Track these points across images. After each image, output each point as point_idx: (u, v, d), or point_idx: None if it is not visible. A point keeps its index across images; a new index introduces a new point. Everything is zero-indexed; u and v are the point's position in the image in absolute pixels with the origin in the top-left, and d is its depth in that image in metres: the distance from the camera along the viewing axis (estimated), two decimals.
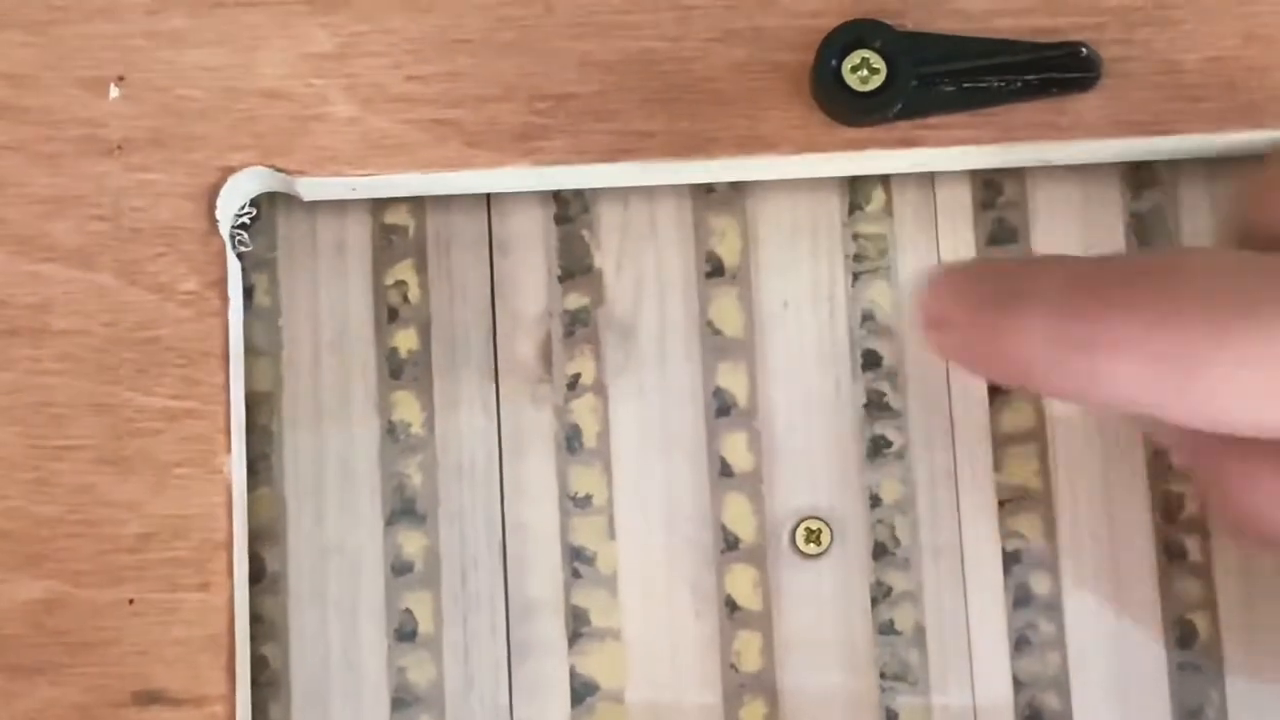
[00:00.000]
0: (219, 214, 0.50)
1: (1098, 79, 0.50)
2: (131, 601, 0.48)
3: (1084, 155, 0.52)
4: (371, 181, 0.51)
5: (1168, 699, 0.52)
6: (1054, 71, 0.50)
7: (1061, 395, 0.46)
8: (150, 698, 0.48)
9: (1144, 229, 0.53)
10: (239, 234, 0.52)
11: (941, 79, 0.50)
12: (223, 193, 0.50)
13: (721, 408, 0.53)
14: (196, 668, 0.48)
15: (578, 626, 0.52)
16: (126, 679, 0.48)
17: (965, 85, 0.50)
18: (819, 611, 0.52)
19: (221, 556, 0.49)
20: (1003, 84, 0.50)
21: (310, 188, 0.51)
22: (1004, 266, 0.45)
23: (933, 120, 0.50)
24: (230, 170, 0.50)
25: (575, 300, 0.54)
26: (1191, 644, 0.52)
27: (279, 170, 0.50)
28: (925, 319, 0.45)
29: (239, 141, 0.50)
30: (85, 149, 0.50)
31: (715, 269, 0.54)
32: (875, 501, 0.53)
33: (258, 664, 0.51)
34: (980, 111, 0.50)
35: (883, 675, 0.52)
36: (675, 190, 0.54)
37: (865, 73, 0.49)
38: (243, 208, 0.52)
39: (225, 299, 0.50)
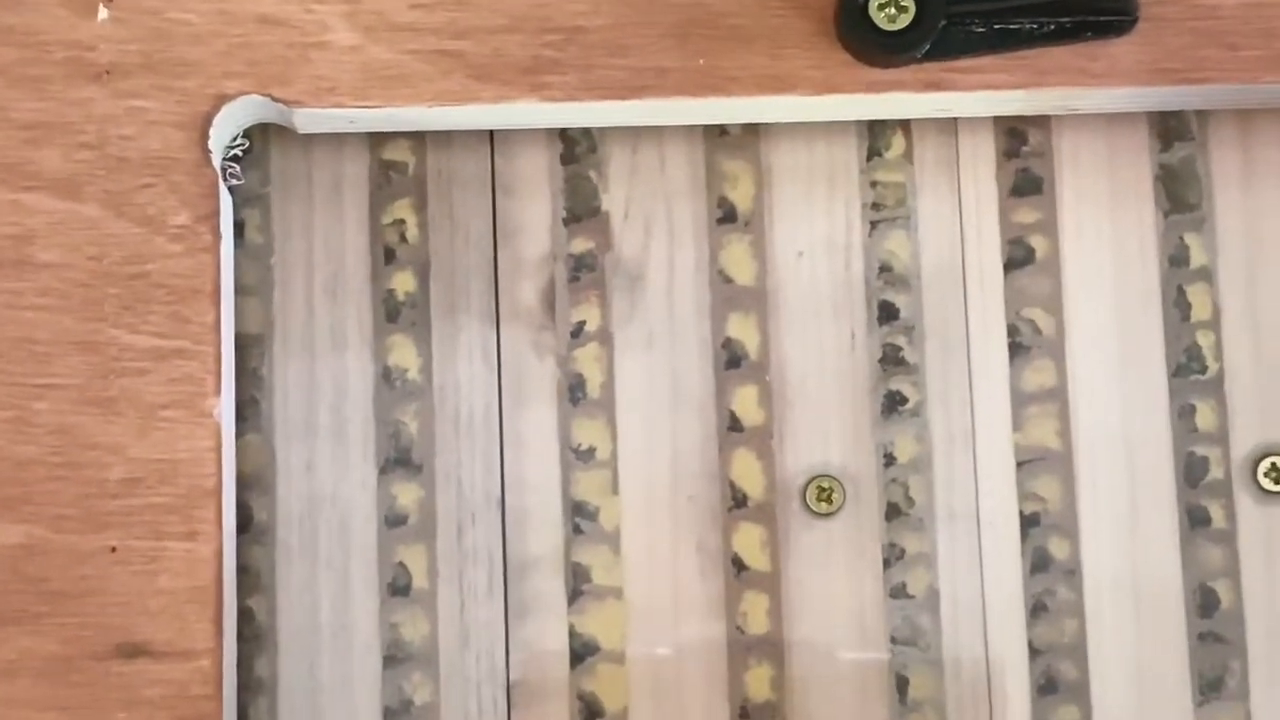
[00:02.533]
0: (211, 144, 0.48)
1: (1134, 23, 0.48)
2: (114, 549, 0.46)
3: (1114, 103, 0.50)
4: (371, 114, 0.48)
5: (1188, 669, 0.50)
6: (1089, 14, 0.48)
7: None
8: (134, 650, 0.46)
9: (1174, 181, 0.51)
10: (231, 167, 0.50)
11: (972, 19, 0.47)
12: (216, 122, 0.48)
13: (731, 359, 0.51)
14: (183, 620, 0.46)
15: (578, 584, 0.50)
16: (109, 630, 0.46)
17: (996, 26, 0.48)
18: (829, 573, 0.50)
19: (210, 504, 0.46)
20: (1035, 26, 0.48)
21: (307, 120, 0.49)
22: None
23: (960, 63, 0.48)
24: (224, 99, 0.48)
25: (581, 244, 0.51)
26: (1213, 613, 0.50)
27: (275, 100, 0.48)
28: None
29: (233, 69, 0.48)
30: (72, 73, 0.48)
31: (727, 215, 0.52)
32: (889, 460, 0.51)
33: (243, 617, 0.49)
34: (1010, 55, 0.48)
35: (894, 640, 0.50)
36: (687, 132, 0.52)
37: (893, 10, 0.47)
38: (236, 139, 0.50)
39: (217, 234, 0.47)
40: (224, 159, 0.50)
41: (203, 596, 0.46)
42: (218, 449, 0.47)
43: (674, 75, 0.48)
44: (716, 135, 0.52)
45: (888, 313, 0.51)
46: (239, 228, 0.51)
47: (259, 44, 0.48)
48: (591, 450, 0.51)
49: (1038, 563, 0.50)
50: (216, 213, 0.47)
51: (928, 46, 0.47)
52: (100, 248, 0.47)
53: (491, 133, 0.51)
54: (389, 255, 0.51)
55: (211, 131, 0.48)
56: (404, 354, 0.51)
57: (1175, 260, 0.51)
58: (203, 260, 0.47)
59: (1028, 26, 0.48)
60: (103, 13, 0.48)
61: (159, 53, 0.48)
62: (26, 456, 0.46)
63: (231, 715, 0.47)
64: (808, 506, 0.50)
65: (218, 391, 0.47)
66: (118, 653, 0.46)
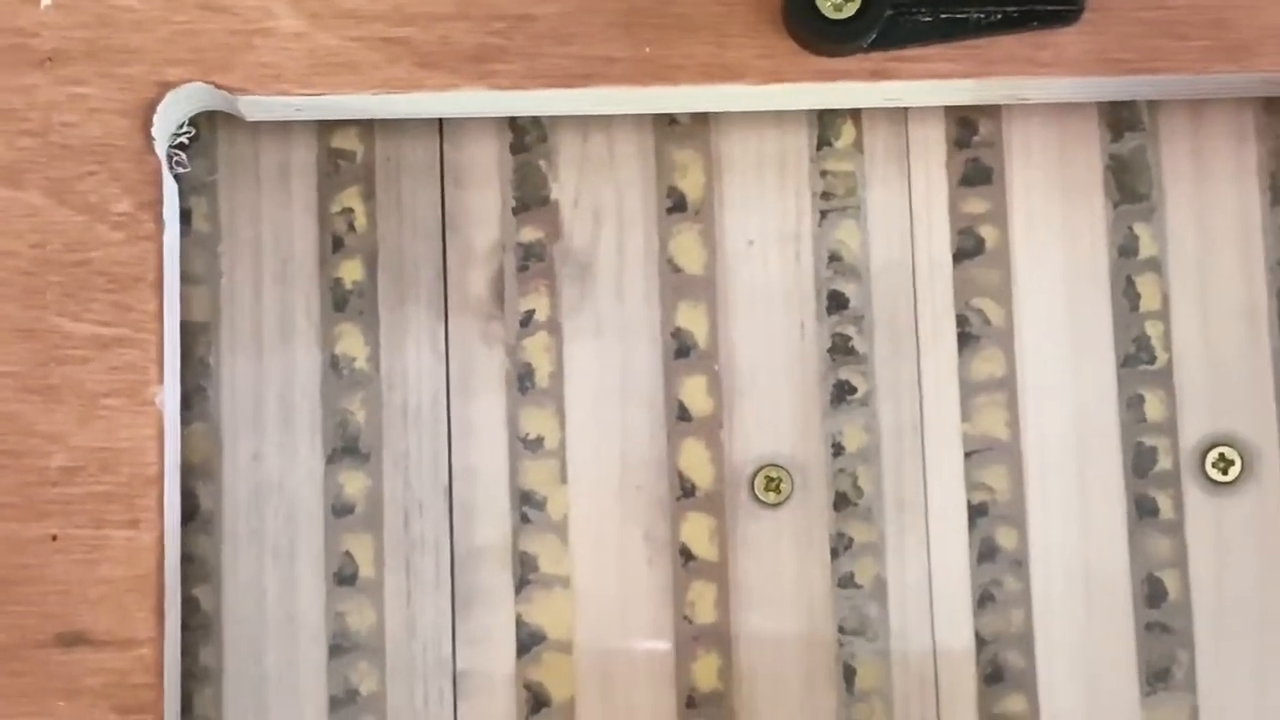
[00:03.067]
0: (155, 132, 0.47)
1: (1081, 12, 0.48)
2: (55, 538, 0.46)
3: (1064, 93, 0.50)
4: (317, 102, 0.48)
5: (1135, 659, 0.50)
6: (1035, 4, 0.48)
7: None
8: (74, 639, 0.46)
9: (1124, 171, 0.51)
10: (177, 154, 0.50)
11: (919, 9, 0.47)
12: (159, 110, 0.47)
13: (680, 349, 0.51)
14: (123, 609, 0.46)
15: (525, 573, 0.50)
16: (49, 619, 0.46)
17: (943, 16, 0.47)
18: (777, 562, 0.50)
19: (151, 492, 0.46)
20: (982, 16, 0.48)
21: (253, 107, 0.49)
22: None
23: (908, 52, 0.48)
24: (168, 86, 0.47)
25: (530, 233, 0.51)
26: (1160, 603, 0.50)
27: (219, 88, 0.48)
28: None
29: (177, 56, 0.48)
30: (14, 60, 0.47)
31: (677, 204, 0.51)
32: (838, 450, 0.51)
33: (189, 606, 0.49)
34: (958, 44, 0.48)
35: (841, 629, 0.50)
36: (637, 121, 0.51)
37: None
38: (181, 126, 0.50)
39: (160, 222, 0.47)
40: (170, 147, 0.49)
41: (144, 585, 0.46)
42: (160, 437, 0.47)
43: (621, 64, 0.48)
44: (666, 124, 0.52)
45: (837, 302, 0.51)
46: (186, 216, 0.50)
47: (202, 31, 0.48)
48: (540, 440, 0.50)
49: (985, 552, 0.50)
50: (159, 200, 0.47)
51: (874, 36, 0.47)
52: (42, 235, 0.47)
53: (441, 121, 0.51)
54: (337, 244, 0.51)
55: (155, 119, 0.47)
56: (352, 343, 0.51)
57: (1125, 250, 0.51)
58: (145, 248, 0.47)
59: (974, 16, 0.48)
60: None
61: (102, 40, 0.48)
62: None
63: (175, 704, 0.47)
64: (756, 496, 0.50)
65: (160, 380, 0.47)
66: (58, 641, 0.46)
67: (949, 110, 0.52)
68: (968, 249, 0.51)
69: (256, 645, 0.49)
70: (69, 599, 0.46)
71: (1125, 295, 0.51)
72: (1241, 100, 0.51)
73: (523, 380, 0.51)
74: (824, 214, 0.51)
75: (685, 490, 0.50)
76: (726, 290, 0.51)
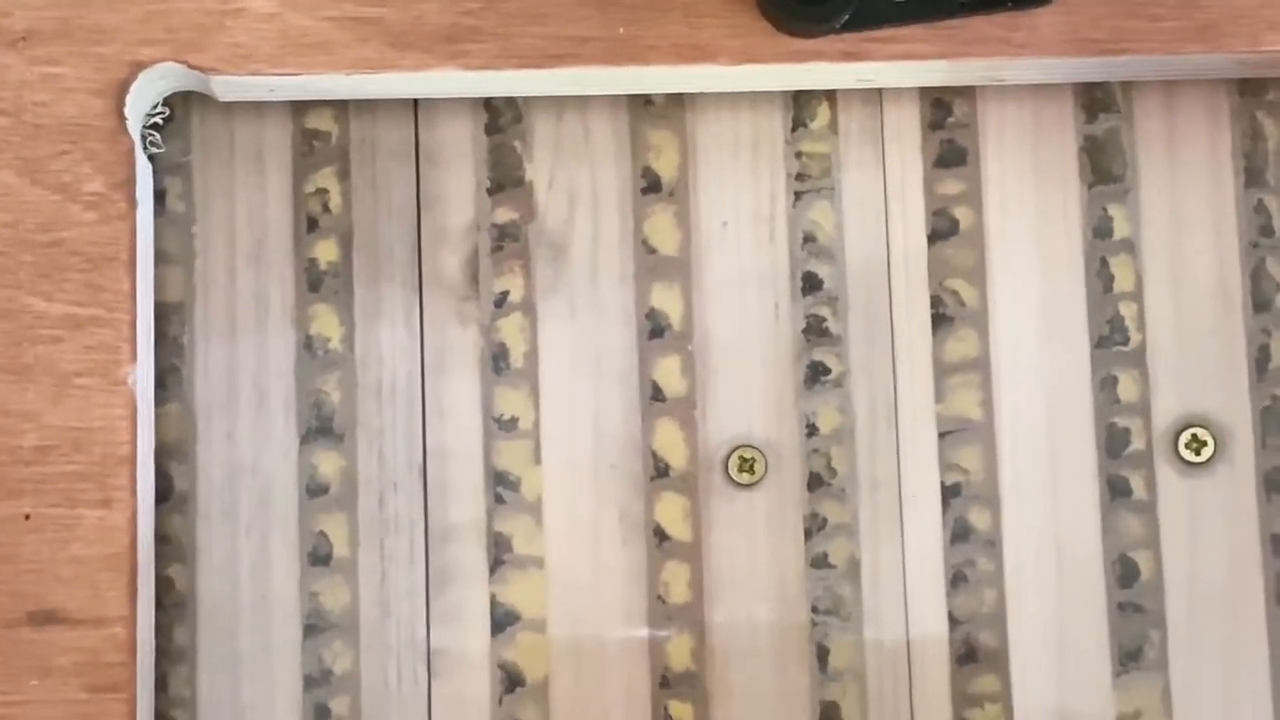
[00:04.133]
0: (128, 112, 0.47)
1: None
2: (28, 517, 0.46)
3: (1037, 74, 0.50)
4: (291, 82, 0.48)
5: (1107, 639, 0.50)
6: None
7: None
8: (46, 617, 0.46)
9: (1098, 153, 0.51)
10: (151, 135, 0.50)
11: None
12: (132, 90, 0.47)
13: (655, 329, 0.51)
14: (96, 587, 0.46)
15: (499, 553, 0.50)
16: (21, 597, 0.46)
17: None
18: (751, 543, 0.50)
19: (124, 472, 0.46)
20: None
21: (226, 87, 0.49)
22: None
23: (881, 33, 0.48)
24: (140, 66, 0.48)
25: (505, 214, 0.51)
26: (1133, 583, 0.50)
27: (192, 68, 0.48)
28: None
29: (150, 35, 0.48)
30: None
31: (651, 185, 0.51)
32: (812, 430, 0.51)
33: (163, 585, 0.49)
34: (931, 25, 0.48)
35: (815, 609, 0.50)
36: (611, 102, 0.51)
37: None
38: (155, 107, 0.50)
39: (133, 202, 0.47)
40: (144, 127, 0.49)
41: (117, 564, 0.46)
42: (132, 417, 0.47)
43: (594, 44, 0.48)
44: (641, 105, 0.52)
45: (811, 284, 0.51)
46: (160, 196, 0.50)
47: (175, 10, 0.48)
48: (514, 420, 0.51)
49: (958, 533, 0.50)
50: (132, 180, 0.47)
51: (847, 16, 0.47)
52: (15, 215, 0.47)
53: (415, 102, 0.51)
54: (311, 224, 0.51)
55: (128, 99, 0.47)
56: (326, 323, 0.51)
57: (1099, 232, 0.51)
58: (118, 228, 0.47)
59: None
60: None
61: (75, 19, 0.48)
62: None
63: (148, 682, 0.47)
64: (730, 477, 0.50)
65: (133, 359, 0.47)
66: (30, 620, 0.46)
67: (923, 92, 0.52)
68: (942, 230, 0.51)
69: (231, 625, 0.49)
70: (42, 578, 0.46)
71: (1099, 276, 0.51)
72: (1215, 82, 0.51)
73: (497, 360, 0.51)
74: (798, 195, 0.51)
75: (659, 470, 0.50)
76: (701, 271, 0.51)
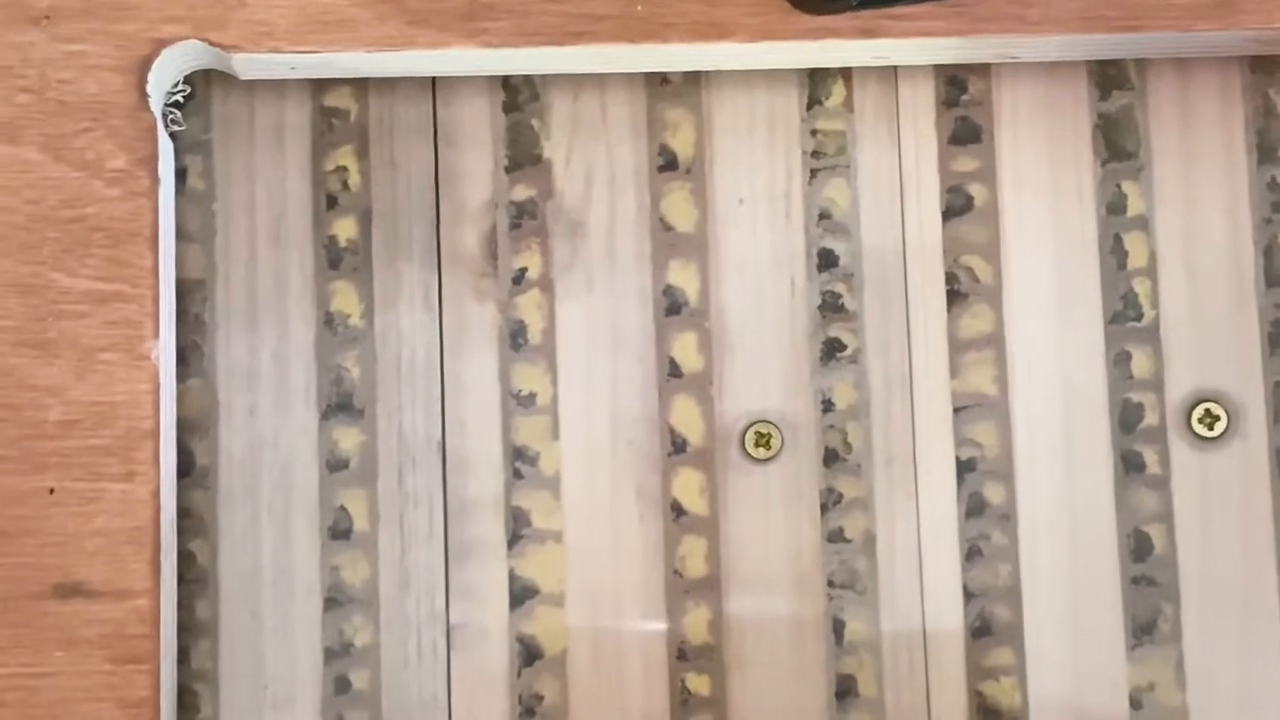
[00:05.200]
0: (150, 89, 0.48)
1: None
2: (52, 491, 0.46)
3: (1052, 51, 0.50)
4: (311, 60, 0.49)
5: (1121, 612, 0.50)
6: None
7: None
8: (71, 590, 0.46)
9: (1112, 130, 0.52)
10: (172, 113, 0.50)
11: None
12: (154, 67, 0.48)
13: (671, 306, 0.51)
14: (119, 560, 0.46)
15: (518, 528, 0.51)
16: (46, 570, 0.46)
17: None
18: (767, 517, 0.51)
19: (147, 446, 0.47)
20: None
21: (246, 65, 0.49)
22: None
23: (897, 11, 0.48)
24: (162, 43, 0.48)
25: (522, 192, 0.52)
26: (1146, 557, 0.51)
27: (213, 45, 0.48)
28: None
29: (172, 13, 0.48)
30: (11, 17, 0.48)
31: (668, 163, 0.52)
32: (828, 406, 0.51)
33: (185, 560, 0.50)
34: (947, 3, 0.48)
35: (830, 584, 0.50)
36: (628, 80, 0.52)
37: None
38: (176, 85, 0.50)
39: (155, 178, 0.47)
40: (166, 105, 0.50)
41: (140, 537, 0.46)
42: (155, 392, 0.47)
43: (611, 22, 0.48)
44: (658, 83, 0.52)
45: (827, 260, 0.52)
46: (181, 174, 0.51)
47: None
48: (532, 396, 0.51)
49: (973, 508, 0.51)
50: (154, 157, 0.48)
51: None
52: (39, 191, 0.47)
53: (434, 81, 0.52)
54: (331, 202, 0.51)
55: (150, 76, 0.48)
56: (346, 300, 0.51)
57: (1113, 208, 0.52)
58: (140, 204, 0.47)
59: None
60: None
61: None
62: None
63: (171, 655, 0.48)
64: (746, 452, 0.51)
65: (156, 335, 0.47)
66: (55, 593, 0.46)
67: (938, 69, 0.52)
68: (957, 207, 0.52)
69: (252, 599, 0.50)
70: (66, 551, 0.46)
71: (1113, 253, 0.51)
72: (1228, 59, 0.52)
73: (515, 337, 0.51)
74: (814, 173, 0.52)
75: (676, 446, 0.51)
76: (717, 248, 0.51)
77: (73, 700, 0.46)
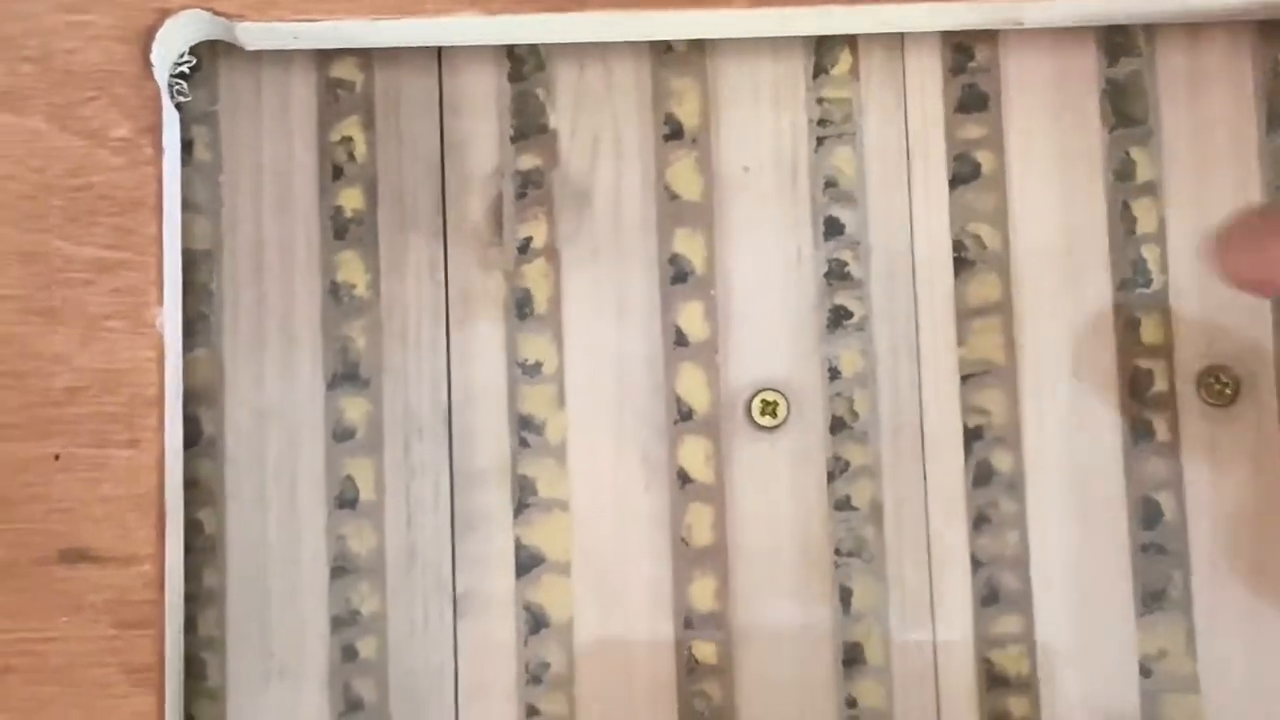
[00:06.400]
0: (154, 58, 0.48)
1: None
2: (58, 457, 0.47)
3: (1058, 16, 0.50)
4: (314, 28, 0.49)
5: (1130, 580, 0.50)
6: None
7: None
8: (77, 555, 0.46)
9: (1120, 96, 0.51)
10: (178, 83, 0.50)
11: None
12: (158, 36, 0.48)
13: (677, 275, 0.51)
14: (125, 526, 0.47)
15: (524, 497, 0.51)
16: (52, 536, 0.47)
17: None
18: (774, 485, 0.51)
19: (152, 413, 0.47)
20: None
21: (250, 35, 0.49)
22: None
23: None
24: (166, 12, 0.48)
25: (528, 161, 0.52)
26: (1156, 524, 0.50)
27: (217, 14, 0.48)
28: None
29: None
30: None
31: (674, 131, 0.52)
32: (834, 374, 0.51)
33: (193, 529, 0.50)
34: None
35: (838, 551, 0.50)
36: (633, 49, 0.52)
37: None
38: (182, 56, 0.50)
39: (159, 147, 0.48)
40: (172, 75, 0.50)
41: (145, 503, 0.47)
42: (160, 359, 0.47)
43: None
44: (663, 52, 0.52)
45: (833, 228, 0.51)
46: (188, 145, 0.51)
47: None
48: (538, 365, 0.51)
49: (981, 475, 0.50)
50: (158, 126, 0.48)
51: None
52: (44, 160, 0.48)
53: (439, 51, 0.52)
54: (337, 172, 0.51)
55: (155, 45, 0.48)
56: (352, 269, 0.51)
57: (1121, 174, 0.51)
58: (145, 173, 0.48)
59: None
60: None
61: None
62: None
63: (176, 619, 0.48)
64: (753, 420, 0.51)
65: (160, 302, 0.47)
66: (61, 558, 0.46)
67: (945, 36, 0.52)
68: (964, 174, 0.51)
69: (259, 567, 0.50)
70: (72, 517, 0.47)
71: (1121, 219, 0.51)
72: (1237, 24, 0.51)
73: (521, 306, 0.51)
74: (820, 141, 0.52)
75: (682, 414, 0.51)
76: (723, 217, 0.51)
77: (78, 665, 0.46)
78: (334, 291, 0.51)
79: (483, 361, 0.51)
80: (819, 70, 0.52)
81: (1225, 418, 0.50)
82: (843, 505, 0.50)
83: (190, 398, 0.50)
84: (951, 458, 0.50)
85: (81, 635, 0.46)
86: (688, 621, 0.50)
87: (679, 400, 0.51)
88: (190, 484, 0.50)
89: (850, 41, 0.52)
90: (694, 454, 0.51)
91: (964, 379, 0.51)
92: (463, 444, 0.50)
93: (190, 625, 0.49)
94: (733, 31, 0.50)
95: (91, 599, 0.46)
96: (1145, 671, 0.50)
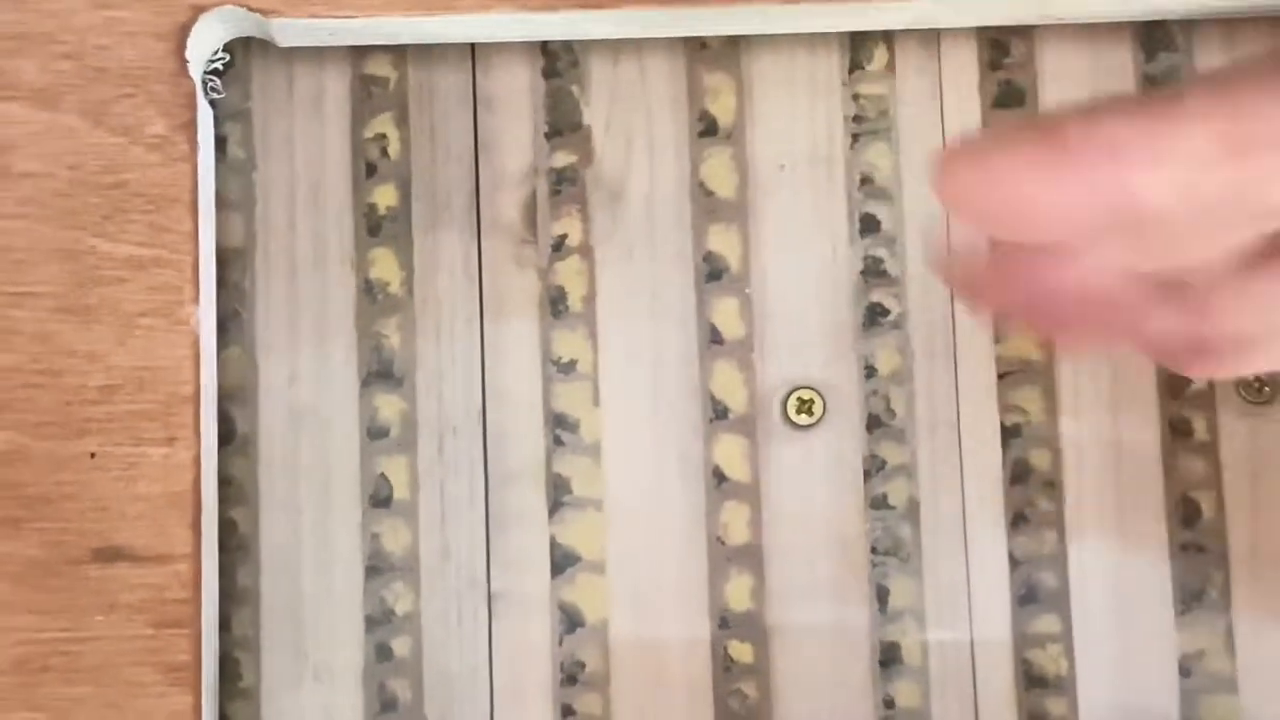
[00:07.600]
0: (189, 55, 0.48)
1: None
2: (93, 455, 0.47)
3: (1096, 11, 0.50)
4: (349, 25, 0.49)
5: (1169, 580, 0.50)
6: None
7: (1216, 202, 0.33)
8: (112, 554, 0.46)
9: (1156, 92, 0.51)
10: (211, 80, 0.50)
11: None
12: (193, 32, 0.48)
13: (712, 272, 0.51)
14: (160, 525, 0.46)
15: (559, 496, 0.50)
16: (87, 535, 0.46)
17: None
18: (809, 484, 0.50)
19: (187, 411, 0.47)
20: None
21: (285, 31, 0.49)
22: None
23: None
24: (201, 9, 0.48)
25: (562, 158, 0.51)
26: (1195, 523, 0.50)
27: (252, 10, 0.48)
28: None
29: None
30: None
31: (708, 128, 0.51)
32: (870, 372, 0.51)
33: (226, 527, 0.50)
34: None
35: (874, 550, 0.50)
36: (668, 45, 0.51)
37: None
38: (216, 52, 0.50)
39: (194, 144, 0.48)
40: (206, 72, 0.50)
41: (180, 502, 0.46)
42: (195, 357, 0.47)
43: None
44: (697, 48, 0.52)
45: (870, 225, 0.51)
46: (221, 143, 0.51)
47: None
48: (573, 363, 0.51)
49: (1018, 474, 0.50)
50: (194, 123, 0.48)
51: None
52: (79, 157, 0.47)
53: (473, 47, 0.52)
54: (370, 169, 0.51)
55: (189, 41, 0.48)
56: (386, 267, 0.51)
57: None
58: (180, 170, 0.47)
59: None
60: None
61: None
62: (6, 364, 0.47)
63: (212, 618, 0.48)
64: (788, 418, 0.50)
65: (195, 300, 0.47)
66: (96, 557, 0.46)
67: (981, 32, 0.51)
68: None
69: (293, 566, 0.50)
70: (107, 515, 0.46)
71: None
72: (1275, 19, 0.51)
73: (555, 304, 0.51)
74: (856, 137, 0.51)
75: (717, 412, 0.50)
76: (758, 214, 0.51)
77: (114, 664, 0.46)
78: (368, 289, 0.51)
79: (517, 359, 0.51)
80: (855, 66, 0.52)
81: (1264, 416, 0.50)
82: (879, 504, 0.50)
83: (224, 396, 0.50)
84: (989, 456, 0.50)
85: (117, 634, 0.46)
86: (723, 621, 0.50)
87: (714, 398, 0.50)
88: (224, 483, 0.50)
89: (886, 37, 0.52)
90: (729, 452, 0.50)
91: (1001, 376, 0.50)
92: (497, 442, 0.50)
93: (224, 625, 0.49)
94: (768, 27, 0.50)
95: (127, 598, 0.46)
96: (1184, 671, 0.49)
